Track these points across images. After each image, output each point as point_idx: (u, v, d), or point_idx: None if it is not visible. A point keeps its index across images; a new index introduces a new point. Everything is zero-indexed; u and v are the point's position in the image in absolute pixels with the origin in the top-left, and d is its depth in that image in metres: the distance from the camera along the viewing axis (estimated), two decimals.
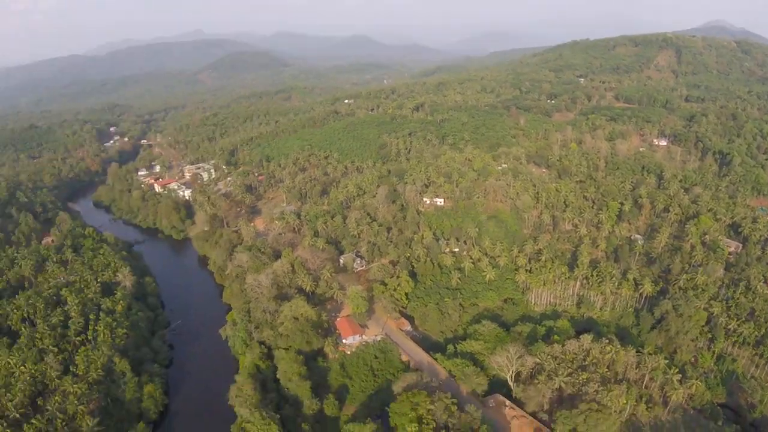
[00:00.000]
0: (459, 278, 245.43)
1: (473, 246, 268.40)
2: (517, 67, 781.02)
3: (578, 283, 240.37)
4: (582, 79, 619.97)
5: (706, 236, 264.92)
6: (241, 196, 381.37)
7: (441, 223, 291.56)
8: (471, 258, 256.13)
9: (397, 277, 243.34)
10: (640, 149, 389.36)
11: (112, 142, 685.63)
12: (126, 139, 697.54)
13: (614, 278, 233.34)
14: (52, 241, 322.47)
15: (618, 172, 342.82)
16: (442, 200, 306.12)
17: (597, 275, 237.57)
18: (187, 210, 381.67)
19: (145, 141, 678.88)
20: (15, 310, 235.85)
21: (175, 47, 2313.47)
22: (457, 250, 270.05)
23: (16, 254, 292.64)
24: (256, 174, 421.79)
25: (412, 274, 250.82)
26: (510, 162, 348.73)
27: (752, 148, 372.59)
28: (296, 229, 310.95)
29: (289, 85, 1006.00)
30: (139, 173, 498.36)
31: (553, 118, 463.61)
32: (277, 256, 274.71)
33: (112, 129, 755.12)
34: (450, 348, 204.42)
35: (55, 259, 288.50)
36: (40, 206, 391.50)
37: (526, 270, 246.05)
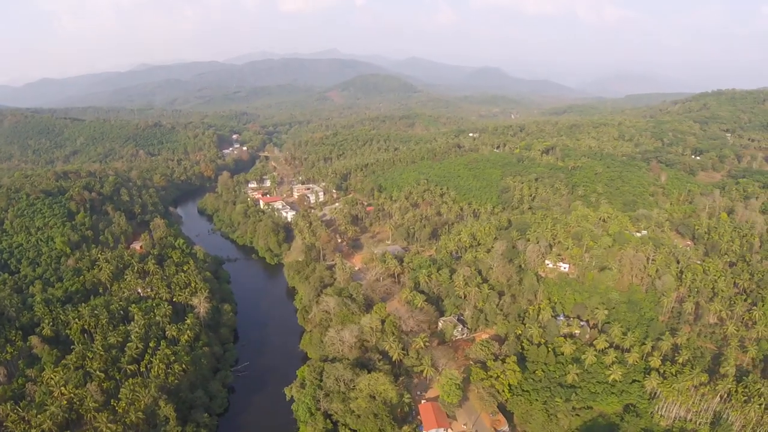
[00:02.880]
0: (577, 374, 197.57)
1: (599, 333, 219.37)
2: (657, 114, 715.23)
3: (718, 396, 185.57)
4: (729, 135, 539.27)
5: None
6: (344, 226, 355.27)
7: (563, 296, 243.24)
8: (595, 349, 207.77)
9: (503, 361, 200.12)
10: None
11: (231, 149, 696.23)
12: (245, 148, 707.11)
13: (764, 399, 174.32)
14: (141, 247, 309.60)
15: None
16: (568, 266, 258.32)
17: (742, 392, 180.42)
18: (286, 233, 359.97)
19: (262, 153, 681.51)
20: (77, 320, 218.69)
21: (310, 64, 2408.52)
22: (578, 332, 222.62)
23: (98, 256, 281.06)
24: (365, 204, 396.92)
25: (521, 358, 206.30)
26: (651, 228, 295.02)
27: None
28: (396, 276, 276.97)
29: (415, 111, 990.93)
30: (249, 185, 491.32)
31: (698, 177, 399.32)
32: (369, 306, 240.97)
33: (234, 136, 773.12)
34: None
35: (136, 269, 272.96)
36: (139, 207, 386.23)
37: (659, 373, 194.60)
